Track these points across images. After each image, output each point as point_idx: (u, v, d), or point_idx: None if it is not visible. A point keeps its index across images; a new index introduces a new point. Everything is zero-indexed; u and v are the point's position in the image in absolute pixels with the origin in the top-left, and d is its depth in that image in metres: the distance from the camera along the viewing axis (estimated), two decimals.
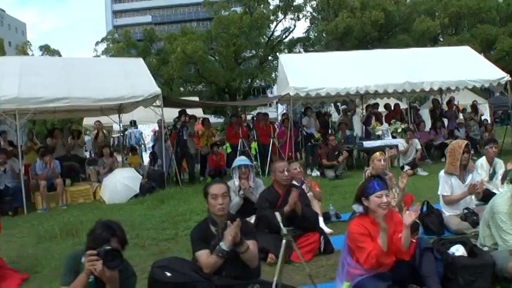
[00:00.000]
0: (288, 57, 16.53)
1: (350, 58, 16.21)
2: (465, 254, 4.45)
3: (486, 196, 6.29)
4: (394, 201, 5.86)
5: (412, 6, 38.25)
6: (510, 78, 14.62)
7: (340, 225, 6.99)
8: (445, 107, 17.56)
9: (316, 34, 43.44)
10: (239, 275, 3.91)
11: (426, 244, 4.18)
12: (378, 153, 6.99)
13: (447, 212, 6.46)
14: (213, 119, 26.79)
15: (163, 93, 13.47)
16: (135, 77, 12.92)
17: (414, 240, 4.13)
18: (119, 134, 16.96)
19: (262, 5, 41.00)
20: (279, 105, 19.65)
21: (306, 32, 44.62)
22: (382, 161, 6.74)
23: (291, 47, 43.83)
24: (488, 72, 15.01)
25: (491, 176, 8.13)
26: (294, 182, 6.58)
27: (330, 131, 16.13)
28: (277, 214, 4.32)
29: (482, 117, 18.38)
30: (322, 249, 5.78)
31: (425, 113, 18.72)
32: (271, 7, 41.76)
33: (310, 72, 14.82)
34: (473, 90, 19.36)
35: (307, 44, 44.05)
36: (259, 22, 39.92)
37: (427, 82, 14.43)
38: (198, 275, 3.82)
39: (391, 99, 18.00)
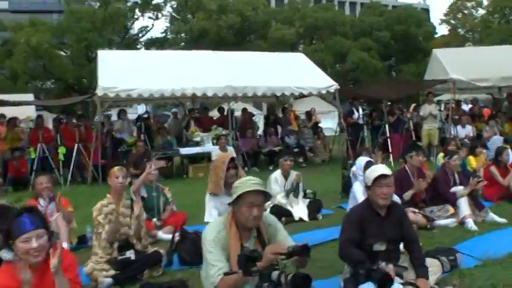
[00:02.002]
0: (106, 53, 14.60)
1: (175, 58, 14.61)
2: None
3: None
4: None
5: (270, 14, 38.02)
6: (338, 87, 13.94)
7: None
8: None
9: (174, 35, 41.75)
10: None
11: None
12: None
13: None
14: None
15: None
16: None
17: None
18: None
19: (119, 1, 38.38)
20: None
21: (164, 32, 42.75)
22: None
23: (148, 46, 41.70)
24: (318, 80, 14.22)
25: (289, 191, 7.57)
26: None
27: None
28: None
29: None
30: None
31: None
32: (129, 4, 39.23)
33: (125, 71, 13.09)
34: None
35: (165, 44, 42.22)
36: (113, 18, 37.27)
37: (250, 87, 13.26)
38: None
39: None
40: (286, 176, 7.62)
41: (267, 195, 3.50)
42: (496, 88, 17.23)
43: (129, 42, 40.71)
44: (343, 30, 36.94)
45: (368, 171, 4.21)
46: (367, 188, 4.14)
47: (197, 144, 13.45)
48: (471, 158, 9.59)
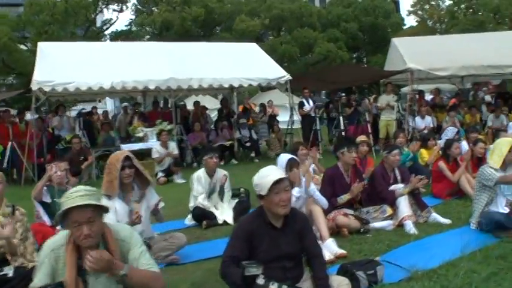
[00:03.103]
0: (45, 45, 13.58)
1: (116, 50, 13.76)
2: None
3: None
4: None
5: (236, 5, 37.12)
6: (290, 78, 13.18)
7: None
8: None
9: (138, 28, 40.56)
10: None
11: None
12: None
13: None
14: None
15: None
16: None
17: None
18: None
19: None
20: None
21: (128, 25, 41.54)
22: None
23: (113, 40, 40.42)
24: (269, 70, 13.41)
25: (211, 191, 6.90)
26: None
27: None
28: None
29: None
30: None
31: None
32: None
33: (64, 64, 12.18)
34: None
35: (130, 37, 40.99)
36: (75, 10, 35.92)
37: (195, 79, 12.42)
38: None
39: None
40: (211, 174, 6.85)
41: (101, 208, 2.72)
42: (459, 78, 16.74)
43: (93, 35, 39.41)
44: (311, 22, 36.13)
45: (258, 177, 3.44)
46: (261, 197, 3.38)
47: (140, 140, 12.58)
48: (423, 151, 8.96)
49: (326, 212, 5.61)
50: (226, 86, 12.94)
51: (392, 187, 6.01)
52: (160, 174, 11.25)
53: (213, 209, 6.73)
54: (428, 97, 18.28)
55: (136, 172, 4.81)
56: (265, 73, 13.12)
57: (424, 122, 13.66)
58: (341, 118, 13.00)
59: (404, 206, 5.76)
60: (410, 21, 48.77)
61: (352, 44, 36.50)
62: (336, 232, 5.56)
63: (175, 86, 12.26)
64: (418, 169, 8.54)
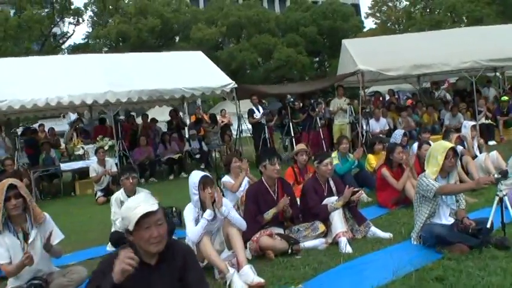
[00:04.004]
0: None
1: (50, 65, 12.88)
2: None
3: None
4: None
5: (192, 14, 36.52)
6: (236, 86, 12.60)
7: None
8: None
9: (95, 41, 39.58)
10: None
11: None
12: None
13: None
14: None
15: None
16: None
17: None
18: None
19: (33, 6, 35.82)
20: None
21: (85, 38, 40.53)
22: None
23: (70, 53, 39.35)
24: (214, 79, 12.82)
25: None
26: None
27: None
28: None
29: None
30: None
31: None
32: (46, 10, 36.79)
33: None
34: None
35: (87, 50, 39.96)
36: (29, 24, 34.80)
37: (135, 91, 11.70)
38: None
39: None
40: (131, 195, 6.15)
41: None
42: (415, 77, 16.42)
43: (49, 50, 38.31)
44: (269, 27, 35.83)
45: (125, 209, 2.80)
46: (129, 232, 2.73)
47: (81, 158, 11.82)
48: (370, 156, 8.43)
49: (252, 233, 5.01)
50: (167, 97, 12.23)
51: (325, 201, 5.42)
52: (99, 194, 10.51)
53: None
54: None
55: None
56: (209, 82, 12.52)
57: (379, 125, 13.24)
58: (291, 124, 12.40)
59: (338, 221, 5.17)
60: (371, 23, 48.86)
61: (312, 48, 36.25)
62: (261, 255, 4.94)
63: (114, 100, 11.50)
64: (365, 177, 8.05)
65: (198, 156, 13.49)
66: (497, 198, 4.57)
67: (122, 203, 6.11)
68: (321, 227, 5.19)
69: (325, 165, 5.55)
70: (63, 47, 40.02)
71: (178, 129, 14.89)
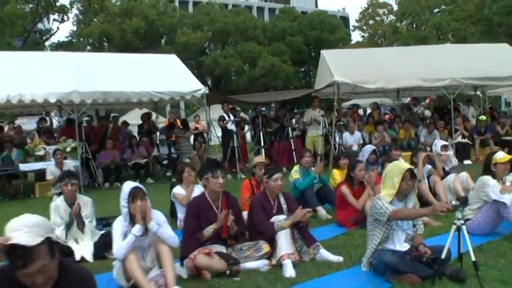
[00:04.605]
0: None
1: (14, 62, 12.32)
2: None
3: None
4: None
5: (179, 18, 36.19)
6: (207, 91, 12.21)
7: None
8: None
9: (79, 39, 39.01)
10: None
11: None
12: None
13: None
14: None
15: None
16: None
17: None
18: None
19: (18, 1, 35.18)
20: None
21: (69, 36, 39.94)
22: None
23: (54, 51, 38.70)
24: (184, 83, 12.40)
25: (69, 223, 5.79)
26: None
27: None
28: None
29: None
30: None
31: None
32: (30, 5, 36.17)
33: None
34: None
35: (71, 49, 39.37)
36: (11, 20, 34.15)
37: (101, 92, 11.24)
38: None
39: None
40: (71, 203, 5.76)
41: None
42: (394, 92, 16.18)
43: (32, 46, 37.68)
44: (255, 35, 35.61)
45: (7, 227, 2.36)
46: None
47: (42, 159, 11.34)
48: (335, 171, 8.03)
49: (190, 250, 4.62)
50: (134, 100, 11.75)
51: (273, 219, 5.03)
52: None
53: (72, 243, 5.63)
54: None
55: None
56: (179, 86, 12.07)
57: (353, 138, 12.93)
58: (261, 134, 12.04)
59: (284, 242, 4.78)
60: (359, 36, 49.00)
61: (297, 58, 36.09)
62: (197, 274, 4.54)
63: (78, 100, 11.03)
64: (327, 193, 7.68)
65: (165, 162, 13.05)
66: (454, 227, 4.16)
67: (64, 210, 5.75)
68: (265, 247, 4.80)
69: (275, 180, 5.16)
70: (46, 44, 39.49)
71: (150, 133, 14.45)
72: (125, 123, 14.85)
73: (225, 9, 40.26)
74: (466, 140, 13.57)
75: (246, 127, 14.71)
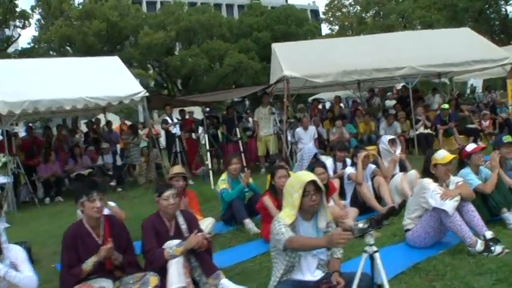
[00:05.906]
0: None
1: None
2: None
3: None
4: None
5: (142, 19, 35.23)
6: (147, 95, 11.46)
7: None
8: None
9: (39, 45, 37.89)
10: None
11: None
12: None
13: None
14: None
15: None
16: None
17: None
18: None
19: None
20: None
21: (31, 42, 38.81)
22: None
23: (17, 59, 37.58)
24: (123, 87, 11.64)
25: None
26: None
27: None
28: None
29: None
30: None
31: None
32: None
33: None
34: None
35: (32, 55, 38.27)
36: None
37: (30, 101, 10.44)
38: None
39: None
40: None
41: None
42: (355, 84, 15.53)
43: None
44: (221, 32, 34.81)
45: None
46: None
47: None
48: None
49: (70, 286, 3.90)
50: (68, 108, 10.89)
51: (166, 244, 4.30)
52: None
53: None
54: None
55: None
56: (117, 90, 11.29)
57: (308, 134, 12.22)
58: (206, 136, 11.29)
59: (174, 273, 4.07)
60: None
61: (265, 53, 35.20)
62: None
63: (5, 111, 10.19)
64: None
65: (110, 172, 12.28)
66: (364, 255, 3.39)
67: None
68: (152, 281, 4.06)
69: (166, 198, 4.42)
70: (8, 51, 38.31)
71: (97, 141, 13.64)
72: (72, 131, 14.02)
73: (190, 7, 39.33)
74: (428, 131, 12.94)
75: (201, 129, 13.93)
